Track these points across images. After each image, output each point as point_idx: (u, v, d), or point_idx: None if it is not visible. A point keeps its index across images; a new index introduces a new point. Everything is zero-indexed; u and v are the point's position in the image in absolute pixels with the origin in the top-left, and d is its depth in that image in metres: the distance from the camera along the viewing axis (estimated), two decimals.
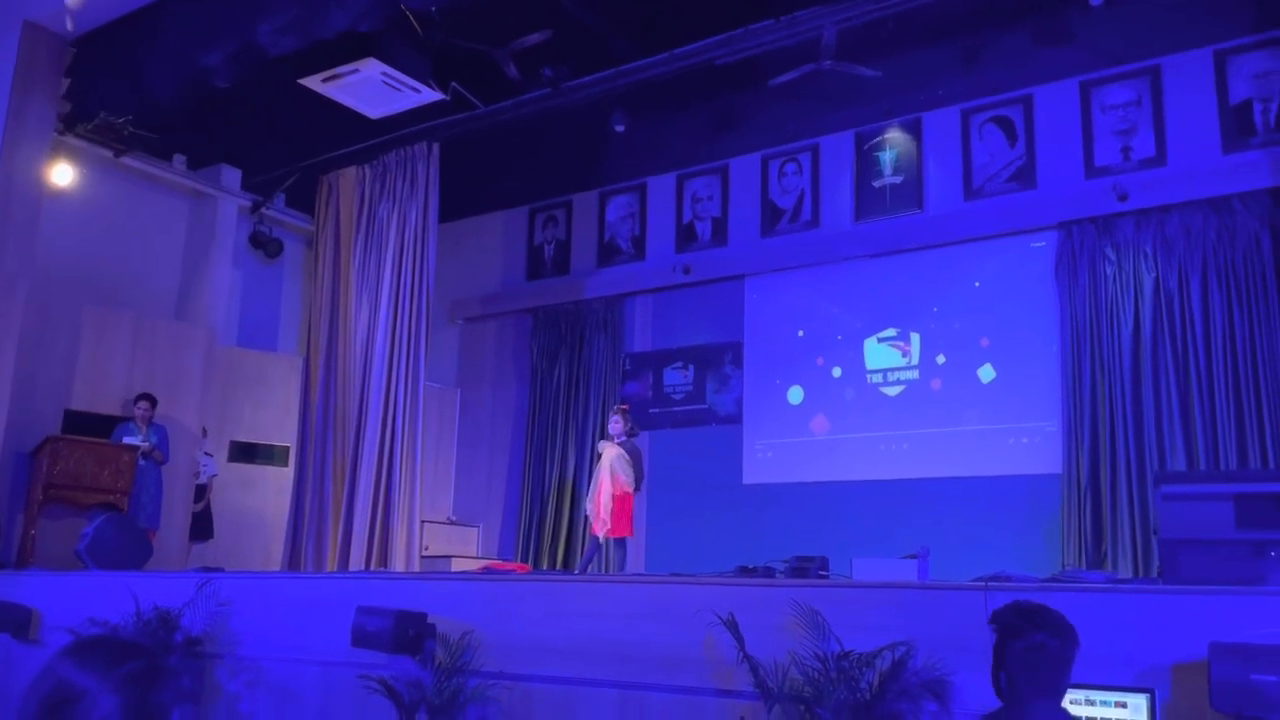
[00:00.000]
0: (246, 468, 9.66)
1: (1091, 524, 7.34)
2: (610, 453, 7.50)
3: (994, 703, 2.57)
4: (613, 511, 7.28)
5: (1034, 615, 2.52)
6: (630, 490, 7.36)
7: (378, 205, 9.27)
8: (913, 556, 4.81)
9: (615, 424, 7.58)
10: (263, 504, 9.65)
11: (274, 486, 9.68)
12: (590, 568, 7.66)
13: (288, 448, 9.71)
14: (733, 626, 4.09)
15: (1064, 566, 6.99)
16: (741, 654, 4.04)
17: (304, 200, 10.48)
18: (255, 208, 10.52)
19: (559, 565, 9.41)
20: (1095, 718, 3.23)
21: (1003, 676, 2.51)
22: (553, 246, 10.64)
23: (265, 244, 10.58)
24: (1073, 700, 3.18)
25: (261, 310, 10.74)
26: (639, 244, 10.06)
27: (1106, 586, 3.97)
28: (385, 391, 8.73)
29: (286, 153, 9.78)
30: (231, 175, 10.30)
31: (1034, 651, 2.47)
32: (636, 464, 7.45)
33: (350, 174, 9.64)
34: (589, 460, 9.64)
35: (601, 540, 7.55)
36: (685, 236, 9.78)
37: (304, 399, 9.49)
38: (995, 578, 4.16)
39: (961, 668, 3.66)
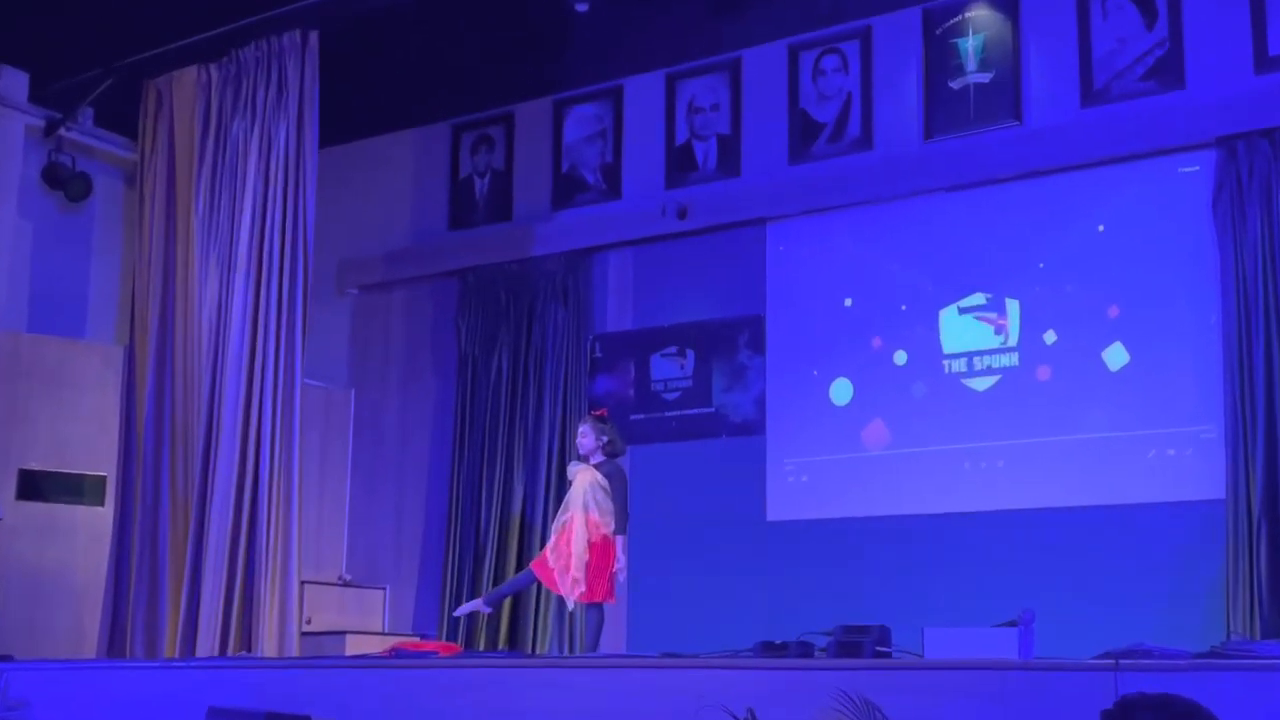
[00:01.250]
0: (44, 508, 9.59)
1: (1268, 572, 7.37)
2: (583, 480, 7.45)
3: None
4: (588, 565, 7.28)
5: (1177, 712, 2.52)
6: (609, 533, 7.36)
7: (230, 123, 9.21)
8: (1011, 624, 4.84)
9: (585, 439, 7.55)
10: (69, 560, 9.59)
11: (86, 535, 9.63)
12: (540, 638, 7.67)
13: (104, 478, 9.66)
14: None
15: (1229, 635, 7.04)
16: None
17: (122, 117, 10.39)
18: (51, 129, 10.43)
19: (503, 644, 9.41)
20: None
21: None
22: (487, 180, 10.61)
23: (66, 182, 10.49)
24: None
25: (62, 279, 10.65)
26: (612, 176, 10.03)
27: None
28: (245, 395, 8.70)
29: (96, 47, 9.68)
30: (15, 80, 10.20)
31: None
32: (618, 494, 7.43)
33: (189, 78, 9.56)
34: (546, 489, 9.65)
35: (570, 605, 7.55)
36: (679, 164, 9.76)
37: (126, 408, 9.43)
38: (1130, 653, 4.20)
39: None
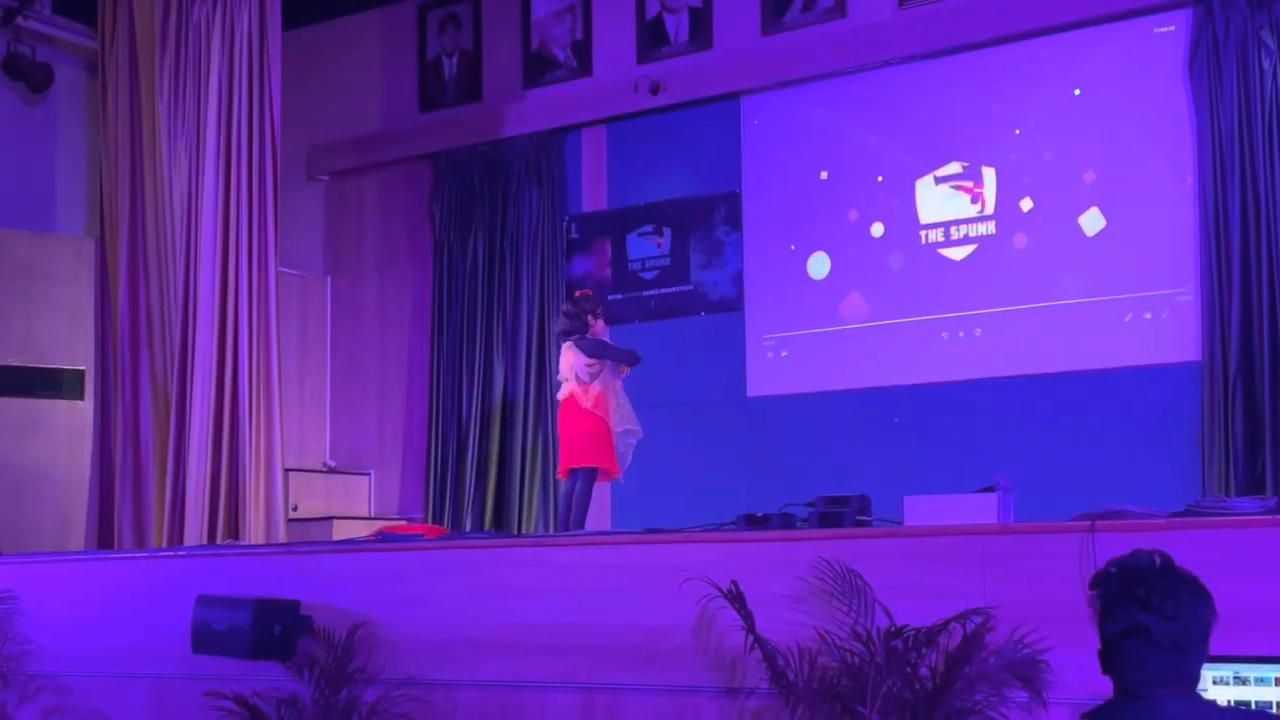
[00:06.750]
0: (23, 404, 9.58)
1: (1244, 432, 7.48)
2: (566, 360, 7.71)
3: (1108, 685, 2.64)
4: (592, 434, 7.53)
5: (1138, 581, 2.51)
6: (602, 390, 7.60)
7: (191, 7, 9.05)
8: (989, 490, 4.89)
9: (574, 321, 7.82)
10: (52, 454, 9.61)
11: (66, 428, 9.64)
12: (526, 518, 7.78)
13: (82, 372, 9.66)
14: (736, 599, 4.16)
15: (1205, 493, 7.14)
16: (750, 637, 4.12)
17: (81, 4, 10.21)
18: (8, 18, 10.23)
19: (488, 525, 9.50)
20: (1248, 701, 3.33)
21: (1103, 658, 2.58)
22: (455, 61, 10.47)
23: (27, 72, 10.32)
24: (1216, 679, 3.28)
25: (28, 172, 10.53)
26: (582, 52, 9.90)
27: (1264, 518, 4.07)
28: (220, 285, 8.68)
29: None
30: None
31: (1129, 639, 2.51)
32: (605, 351, 7.73)
33: None
34: (525, 371, 9.70)
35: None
36: (651, 38, 9.64)
37: (101, 301, 9.41)
38: (1107, 515, 4.25)
39: (1061, 642, 3.76)
